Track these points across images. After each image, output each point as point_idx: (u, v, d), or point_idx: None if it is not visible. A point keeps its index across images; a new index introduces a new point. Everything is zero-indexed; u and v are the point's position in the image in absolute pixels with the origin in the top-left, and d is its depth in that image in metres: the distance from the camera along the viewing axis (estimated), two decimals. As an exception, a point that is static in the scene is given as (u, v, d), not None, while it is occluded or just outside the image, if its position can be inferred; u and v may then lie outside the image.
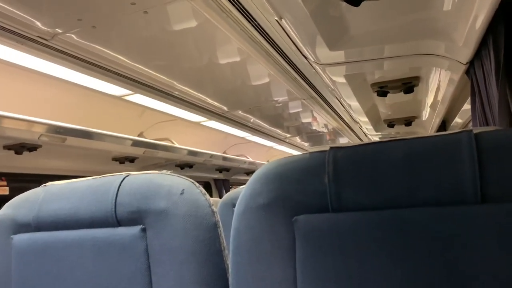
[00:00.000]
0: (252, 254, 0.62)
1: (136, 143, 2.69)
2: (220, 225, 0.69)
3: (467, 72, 1.38)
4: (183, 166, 3.46)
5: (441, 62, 1.40)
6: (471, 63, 1.29)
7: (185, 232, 0.66)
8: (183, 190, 0.68)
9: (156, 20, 1.65)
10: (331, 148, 0.62)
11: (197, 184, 0.70)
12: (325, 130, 4.35)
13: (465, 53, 1.24)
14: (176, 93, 2.59)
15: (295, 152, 5.35)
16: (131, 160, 2.96)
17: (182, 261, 0.65)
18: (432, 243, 0.53)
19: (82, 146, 2.34)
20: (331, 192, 0.58)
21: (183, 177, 0.71)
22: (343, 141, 4.99)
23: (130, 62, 2.06)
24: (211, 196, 4.37)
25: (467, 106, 2.05)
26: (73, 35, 1.70)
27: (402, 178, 0.56)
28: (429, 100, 2.10)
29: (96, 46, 1.83)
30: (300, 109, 3.43)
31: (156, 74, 2.27)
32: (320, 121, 3.89)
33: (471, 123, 1.80)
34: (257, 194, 0.63)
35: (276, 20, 1.14)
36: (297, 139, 4.78)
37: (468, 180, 0.53)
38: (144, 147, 2.78)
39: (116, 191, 0.71)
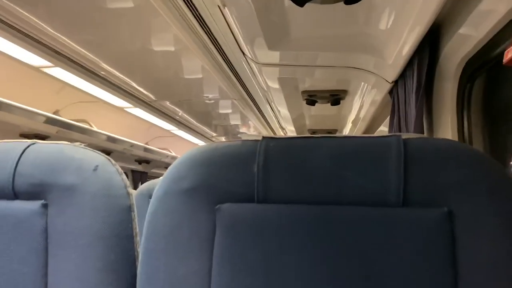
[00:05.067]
0: (168, 241, 0.57)
1: (49, 121, 2.46)
2: (135, 209, 0.64)
3: (390, 91, 1.48)
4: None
5: (369, 78, 1.48)
6: (395, 82, 1.38)
7: (94, 213, 0.59)
8: (97, 166, 0.61)
9: (89, -10, 1.52)
10: (264, 137, 0.60)
11: (114, 162, 0.64)
12: (251, 133, 4.40)
13: (392, 72, 1.32)
14: (102, 73, 2.43)
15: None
16: (42, 138, 2.70)
17: (87, 243, 0.59)
18: (353, 241, 0.53)
19: (-15, 115, 2.08)
20: (258, 182, 0.56)
21: (98, 152, 0.64)
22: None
23: (54, 32, 1.86)
24: (126, 187, 4.15)
25: (383, 127, 2.21)
26: (-9, -9, 1.50)
27: (330, 175, 0.56)
28: (352, 115, 2.21)
29: (18, 9, 1.63)
30: (230, 110, 3.42)
31: (82, 49, 2.09)
32: (248, 124, 3.91)
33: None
34: (181, 177, 0.59)
35: (219, 7, 1.11)
36: (223, 139, 4.77)
37: (392, 183, 0.54)
38: (58, 126, 2.55)
39: (17, 158, 0.62)
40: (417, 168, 0.54)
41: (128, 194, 0.63)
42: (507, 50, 0.88)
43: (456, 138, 1.11)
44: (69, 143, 0.65)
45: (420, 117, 1.18)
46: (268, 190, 0.56)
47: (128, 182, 0.64)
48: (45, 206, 0.60)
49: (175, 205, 0.58)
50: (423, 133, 1.20)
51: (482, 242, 0.52)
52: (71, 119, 2.79)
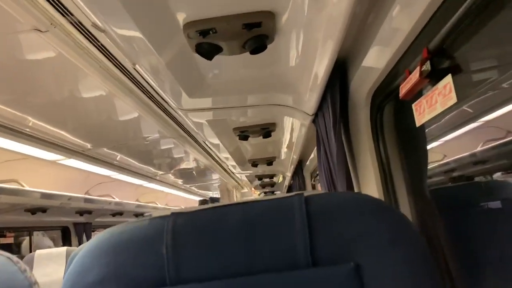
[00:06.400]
0: None
1: (-29, 188, 2.28)
2: None
3: (314, 121, 1.53)
4: (34, 211, 3.04)
5: (292, 113, 1.53)
6: (316, 115, 1.43)
7: None
8: None
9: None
10: (172, 214, 0.59)
11: (15, 259, 0.60)
12: (197, 167, 4.34)
13: (310, 106, 1.37)
14: (27, 130, 2.31)
15: (167, 190, 5.20)
16: (-36, 207, 2.49)
17: None
18: None
19: None
20: (168, 264, 0.55)
21: (-2, 251, 0.60)
22: (215, 177, 5.04)
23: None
24: (69, 244, 3.91)
25: (318, 146, 2.28)
26: None
27: (239, 245, 0.56)
28: (286, 142, 2.27)
29: None
30: (172, 146, 3.36)
31: (3, 107, 1.98)
32: (192, 158, 3.87)
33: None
34: (86, 270, 0.56)
35: (132, 66, 1.11)
36: (170, 176, 4.66)
37: (299, 244, 0.55)
38: (-18, 192, 2.38)
39: None
40: (321, 226, 0.56)
41: (35, 291, 0.59)
42: (401, 86, 0.95)
43: (376, 167, 1.16)
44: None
45: (341, 147, 1.23)
46: (179, 270, 0.55)
47: (34, 278, 0.60)
48: None
49: None
50: (347, 163, 1.24)
51: None
52: (-2, 181, 2.61)
